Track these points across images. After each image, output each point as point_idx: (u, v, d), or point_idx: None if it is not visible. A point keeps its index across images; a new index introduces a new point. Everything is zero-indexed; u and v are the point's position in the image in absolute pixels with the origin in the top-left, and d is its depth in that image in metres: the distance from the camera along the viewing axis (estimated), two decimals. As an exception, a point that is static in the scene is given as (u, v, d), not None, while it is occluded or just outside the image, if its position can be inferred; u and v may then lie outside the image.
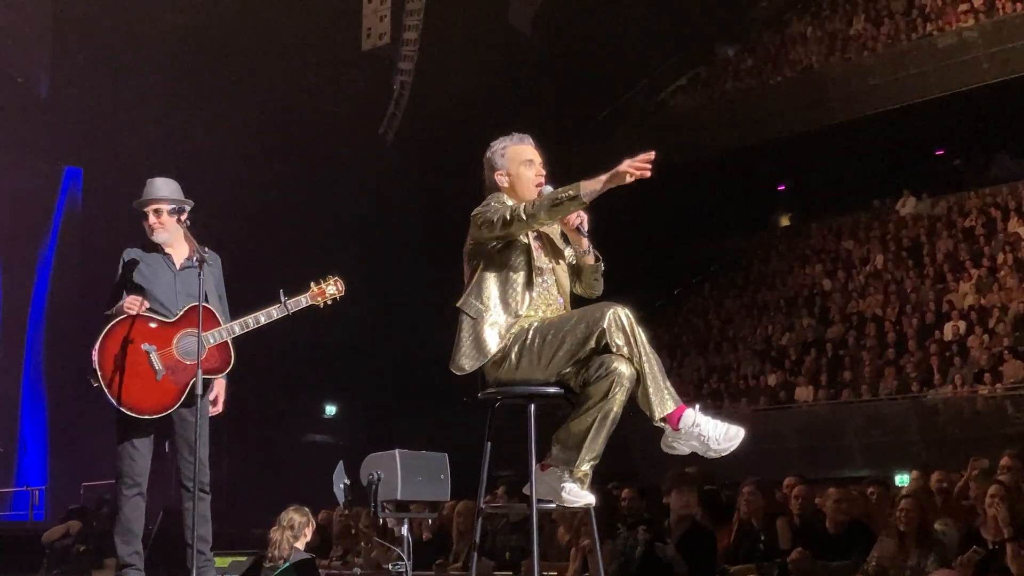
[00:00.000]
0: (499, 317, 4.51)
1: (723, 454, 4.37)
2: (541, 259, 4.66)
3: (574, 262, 4.78)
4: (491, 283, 4.55)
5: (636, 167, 4.30)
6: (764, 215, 27.82)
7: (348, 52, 25.68)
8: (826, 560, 7.17)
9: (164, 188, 5.95)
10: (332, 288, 6.00)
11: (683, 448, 4.41)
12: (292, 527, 7.72)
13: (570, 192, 4.28)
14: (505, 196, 4.65)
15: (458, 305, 4.57)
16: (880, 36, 24.55)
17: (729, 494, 9.01)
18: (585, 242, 4.63)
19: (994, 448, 10.87)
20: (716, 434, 4.33)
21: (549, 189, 4.52)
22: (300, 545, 7.71)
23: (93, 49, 22.37)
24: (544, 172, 4.69)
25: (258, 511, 9.99)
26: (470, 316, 4.52)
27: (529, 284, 4.55)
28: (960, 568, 6.48)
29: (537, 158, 4.71)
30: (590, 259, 4.70)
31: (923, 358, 18.95)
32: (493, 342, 4.48)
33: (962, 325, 19.20)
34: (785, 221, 28.36)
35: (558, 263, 4.71)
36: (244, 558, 8.92)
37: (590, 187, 4.28)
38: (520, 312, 4.52)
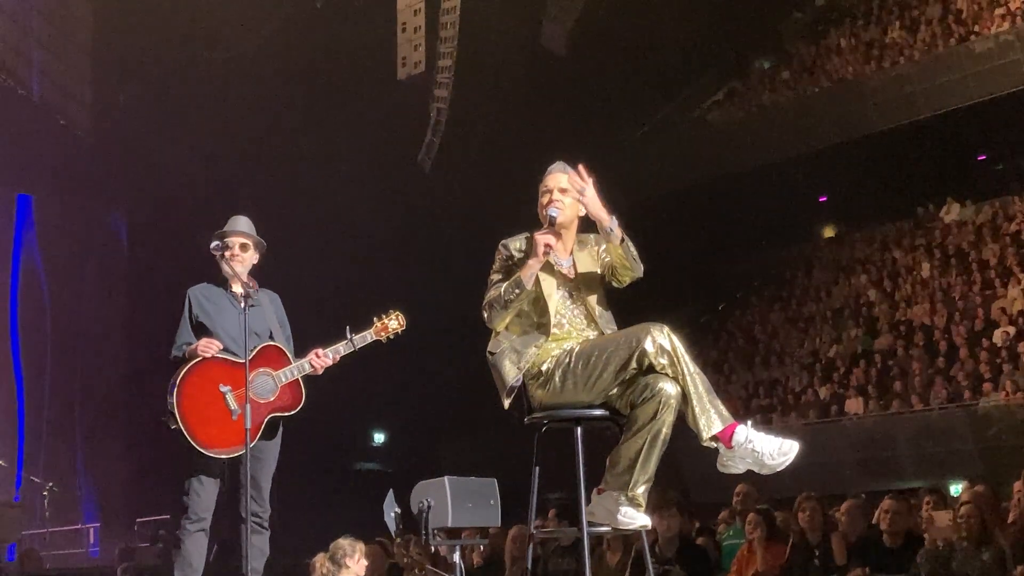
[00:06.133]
0: (516, 348, 4.60)
1: (778, 469, 4.35)
2: (570, 285, 4.72)
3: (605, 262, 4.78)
4: (511, 322, 4.66)
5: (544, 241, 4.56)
6: (807, 227, 27.63)
7: (385, 82, 25.85)
8: (883, 574, 7.08)
9: (248, 226, 6.11)
10: (394, 323, 6.10)
11: (738, 466, 4.40)
12: (334, 554, 7.73)
13: (516, 291, 4.52)
14: (510, 247, 4.73)
15: (488, 350, 4.69)
16: (916, 43, 24.40)
17: (782, 511, 8.91)
18: (606, 222, 4.57)
19: (1050, 454, 10.72)
20: (770, 449, 4.32)
21: (555, 213, 4.63)
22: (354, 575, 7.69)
23: (135, 88, 22.66)
24: (556, 199, 4.67)
25: (308, 541, 10.01)
26: (492, 353, 4.65)
27: (544, 315, 4.61)
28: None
29: (554, 184, 4.71)
30: (616, 239, 4.61)
31: (973, 366, 18.72)
32: (510, 372, 4.58)
33: (1012, 330, 18.95)
34: (828, 232, 28.16)
35: (589, 292, 4.73)
36: (296, 589, 8.95)
37: (526, 274, 4.54)
38: (538, 344, 4.59)
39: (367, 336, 6.02)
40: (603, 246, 4.80)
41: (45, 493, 17.06)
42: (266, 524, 5.94)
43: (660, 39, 25.50)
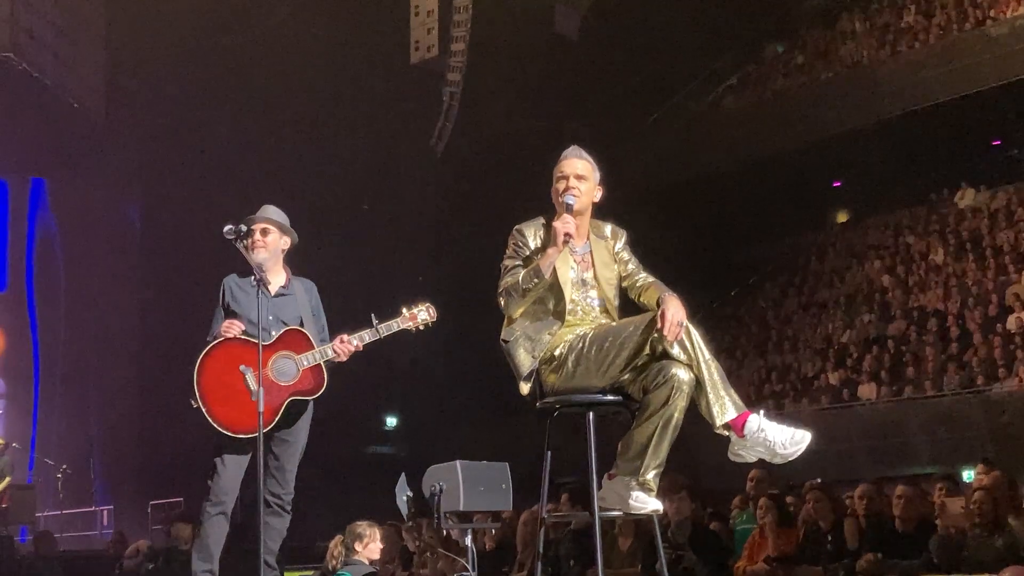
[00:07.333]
0: (530, 336, 4.60)
1: (790, 459, 4.35)
2: (587, 273, 4.71)
3: (629, 281, 4.78)
4: (525, 309, 4.64)
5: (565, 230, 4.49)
6: (820, 212, 27.55)
7: (398, 66, 25.84)
8: (895, 559, 7.08)
9: (275, 213, 6.10)
10: (424, 314, 6.08)
11: (750, 455, 4.39)
12: (349, 537, 7.77)
13: (535, 280, 4.47)
14: (525, 232, 4.70)
15: (501, 338, 4.69)
16: (931, 28, 24.28)
17: (793, 496, 8.92)
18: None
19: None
20: (782, 439, 4.31)
21: (572, 200, 4.60)
22: (365, 558, 7.73)
23: (149, 72, 22.67)
24: (572, 185, 4.65)
25: (322, 524, 10.06)
26: (506, 341, 4.65)
27: (560, 302, 4.61)
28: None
29: (570, 170, 4.69)
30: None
31: (987, 352, 18.66)
32: (525, 362, 4.59)
33: (1025, 316, 18.90)
34: (842, 217, 28.07)
35: (604, 279, 4.72)
36: (310, 572, 9.00)
37: (545, 263, 4.50)
38: (552, 331, 4.59)
39: (394, 324, 5.99)
40: (618, 243, 4.81)
41: (59, 475, 17.16)
42: (288, 507, 5.95)
43: (673, 25, 25.42)
